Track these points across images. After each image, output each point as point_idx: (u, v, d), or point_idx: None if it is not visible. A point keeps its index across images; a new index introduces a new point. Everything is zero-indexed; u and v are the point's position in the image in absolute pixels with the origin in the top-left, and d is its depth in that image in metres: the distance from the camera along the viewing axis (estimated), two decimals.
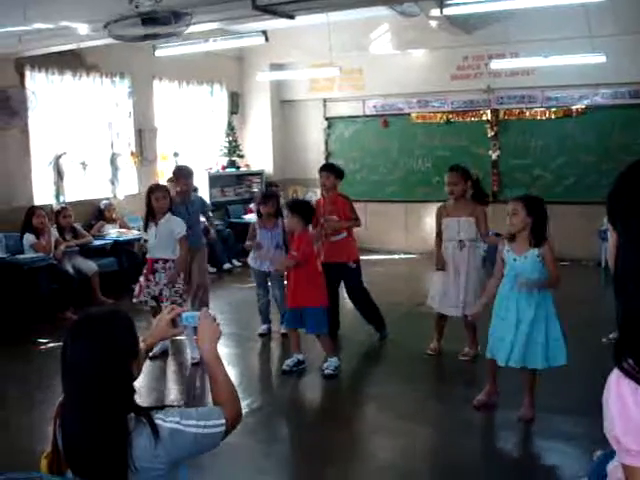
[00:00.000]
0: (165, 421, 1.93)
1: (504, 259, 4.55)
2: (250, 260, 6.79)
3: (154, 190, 6.12)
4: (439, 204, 6.02)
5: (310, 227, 5.95)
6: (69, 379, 1.95)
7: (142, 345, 2.29)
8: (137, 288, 6.10)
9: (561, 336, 4.46)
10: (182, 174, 7.06)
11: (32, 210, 7.79)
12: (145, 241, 6.38)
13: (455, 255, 5.74)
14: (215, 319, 2.25)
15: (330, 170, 6.56)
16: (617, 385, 1.28)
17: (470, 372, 5.63)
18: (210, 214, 8.17)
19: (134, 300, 6.14)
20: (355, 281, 6.57)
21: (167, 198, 6.07)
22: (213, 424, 1.99)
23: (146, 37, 4.95)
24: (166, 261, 5.99)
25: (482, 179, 5.68)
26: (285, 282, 6.17)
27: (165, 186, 6.54)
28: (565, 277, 8.39)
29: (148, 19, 4.55)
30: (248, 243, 6.70)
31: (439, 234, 5.89)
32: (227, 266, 10.14)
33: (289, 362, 5.79)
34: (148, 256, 6.11)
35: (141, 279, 6.09)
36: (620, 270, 1.32)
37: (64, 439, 1.95)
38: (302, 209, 5.71)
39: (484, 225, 5.68)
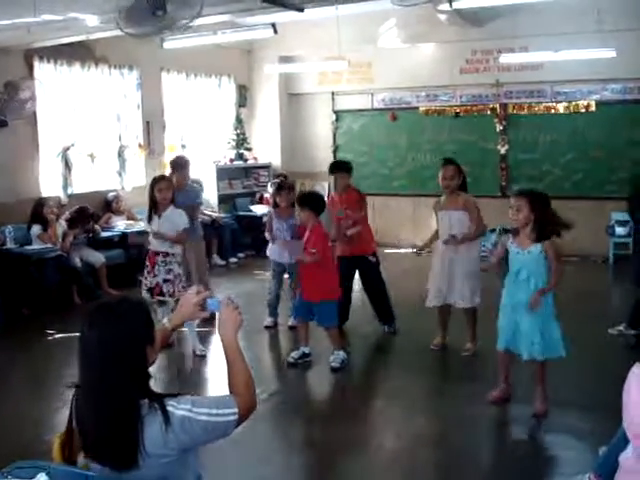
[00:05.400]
0: (177, 408, 1.95)
1: (507, 249, 4.61)
2: (269, 251, 6.79)
3: (158, 181, 6.05)
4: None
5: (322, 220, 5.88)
6: (84, 364, 1.98)
7: (167, 325, 2.37)
8: (142, 284, 6.10)
9: (559, 334, 4.49)
10: (175, 165, 7.07)
11: (40, 202, 7.82)
12: (148, 233, 6.35)
13: (446, 246, 5.78)
14: (238, 307, 2.26)
15: (346, 170, 6.52)
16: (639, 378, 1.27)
17: (476, 366, 5.62)
18: (201, 209, 7.92)
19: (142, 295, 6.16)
20: (374, 273, 6.59)
21: (170, 190, 6.00)
22: (224, 412, 2.00)
23: (159, 29, 4.91)
24: (166, 254, 5.96)
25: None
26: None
27: (168, 177, 6.49)
28: (573, 273, 8.36)
29: (158, 6, 4.52)
30: (267, 234, 6.71)
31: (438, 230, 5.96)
32: (233, 260, 10.17)
33: (294, 354, 5.82)
34: (150, 248, 6.06)
35: (145, 272, 6.07)
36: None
37: (78, 422, 1.99)
38: (312, 202, 5.69)
39: (476, 215, 5.72)
